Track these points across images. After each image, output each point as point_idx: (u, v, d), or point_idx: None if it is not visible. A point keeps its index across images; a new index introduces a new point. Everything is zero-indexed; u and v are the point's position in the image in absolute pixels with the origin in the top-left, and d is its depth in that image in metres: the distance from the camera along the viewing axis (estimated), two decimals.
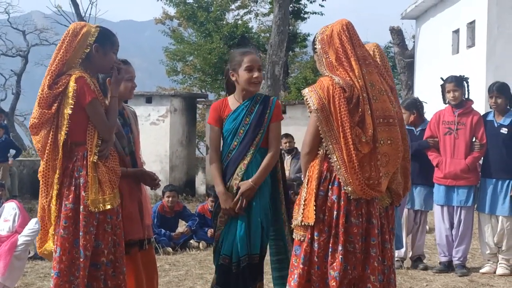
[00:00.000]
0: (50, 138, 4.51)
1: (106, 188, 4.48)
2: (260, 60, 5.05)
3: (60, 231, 4.46)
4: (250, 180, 4.84)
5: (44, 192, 4.57)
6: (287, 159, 12.24)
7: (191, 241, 9.66)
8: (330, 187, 4.26)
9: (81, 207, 4.45)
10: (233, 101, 5.03)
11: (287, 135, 12.37)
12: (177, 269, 7.99)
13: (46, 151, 4.51)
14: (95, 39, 4.54)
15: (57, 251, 4.47)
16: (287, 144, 12.32)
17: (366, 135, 4.20)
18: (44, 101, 4.46)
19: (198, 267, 8.11)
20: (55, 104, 4.46)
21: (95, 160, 4.48)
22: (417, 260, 7.99)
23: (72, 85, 4.40)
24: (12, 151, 15.41)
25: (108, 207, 4.47)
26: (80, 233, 4.44)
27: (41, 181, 4.58)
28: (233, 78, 4.99)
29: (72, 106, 4.41)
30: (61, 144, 4.48)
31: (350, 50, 4.29)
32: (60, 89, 4.43)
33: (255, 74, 4.93)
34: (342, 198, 4.23)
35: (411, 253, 8.07)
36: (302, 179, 4.49)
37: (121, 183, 4.81)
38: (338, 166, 4.21)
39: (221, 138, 5.07)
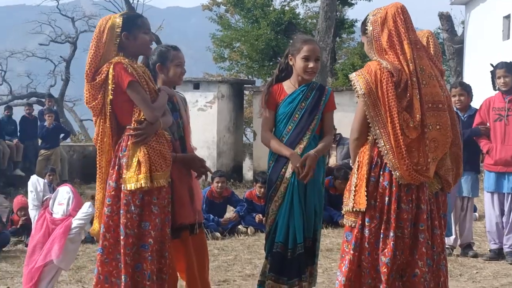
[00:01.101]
0: (100, 126, 4.67)
1: (143, 168, 4.54)
2: (319, 50, 5.09)
3: (104, 209, 4.60)
4: (312, 150, 4.93)
5: (98, 177, 4.72)
6: (333, 147, 12.19)
7: (239, 226, 9.72)
8: (381, 173, 4.25)
9: (123, 186, 4.55)
10: (288, 86, 5.11)
11: None
12: (226, 254, 8.06)
13: (99, 138, 4.67)
14: (121, 28, 4.66)
15: (101, 228, 4.60)
16: None
17: (414, 120, 4.17)
18: (90, 96, 4.64)
19: (246, 252, 8.16)
20: (100, 95, 4.62)
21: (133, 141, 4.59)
22: (466, 248, 7.93)
23: (111, 72, 4.55)
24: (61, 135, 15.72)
25: (140, 185, 4.51)
26: (121, 211, 4.55)
27: (97, 168, 4.72)
28: (291, 63, 5.11)
29: (112, 92, 4.55)
30: (107, 130, 4.65)
31: (404, 33, 4.25)
32: (102, 78, 4.58)
33: (311, 65, 5.00)
34: (393, 184, 4.21)
35: (459, 240, 8.01)
36: (351, 164, 4.49)
37: (171, 167, 4.85)
38: (386, 151, 4.20)
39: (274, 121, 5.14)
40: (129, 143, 4.58)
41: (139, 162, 4.54)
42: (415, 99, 4.19)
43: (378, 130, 4.21)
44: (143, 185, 4.50)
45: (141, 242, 4.58)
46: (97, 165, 4.72)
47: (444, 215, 4.55)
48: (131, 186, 4.52)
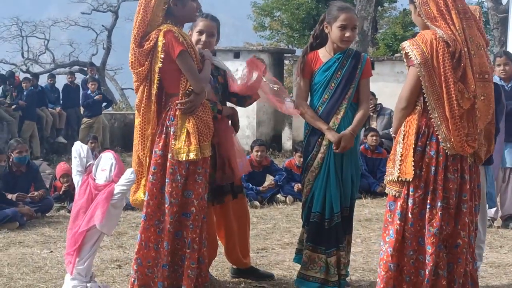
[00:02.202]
0: (145, 92, 4.67)
1: (193, 139, 4.57)
2: (356, 18, 5.02)
3: (149, 177, 4.64)
4: (348, 129, 4.89)
5: (141, 145, 4.74)
6: (373, 117, 12.16)
7: (278, 195, 9.76)
8: (428, 142, 4.21)
9: (170, 155, 4.59)
10: (324, 54, 5.06)
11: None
12: (264, 223, 8.12)
13: (142, 105, 4.68)
14: None
15: (145, 196, 4.67)
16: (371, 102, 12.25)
17: (469, 90, 4.12)
18: (136, 61, 4.62)
19: (285, 221, 8.21)
20: (147, 61, 4.60)
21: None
22: (508, 219, 7.86)
23: (161, 39, 4.53)
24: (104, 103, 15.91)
25: (192, 157, 4.55)
26: (166, 180, 4.60)
27: (137, 134, 4.75)
28: (326, 31, 5.04)
29: (162, 60, 4.55)
30: (153, 98, 4.65)
31: (451, 2, 4.18)
32: (151, 44, 4.56)
33: (347, 34, 4.94)
34: (440, 154, 4.18)
35: (500, 212, 7.95)
36: (392, 134, 4.46)
37: (216, 130, 4.88)
38: (439, 122, 4.15)
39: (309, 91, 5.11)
40: (177, 113, 4.61)
41: (188, 133, 4.57)
42: (468, 69, 4.15)
43: (432, 101, 4.15)
44: (194, 157, 4.55)
45: (183, 211, 4.63)
46: (139, 132, 4.73)
47: (478, 185, 4.51)
48: (182, 157, 4.55)
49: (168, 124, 4.64)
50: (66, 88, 16.28)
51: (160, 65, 4.56)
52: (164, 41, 4.52)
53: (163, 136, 4.64)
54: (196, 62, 4.66)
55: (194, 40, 5.10)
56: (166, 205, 4.60)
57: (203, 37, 5.12)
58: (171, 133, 4.61)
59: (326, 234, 4.96)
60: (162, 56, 4.54)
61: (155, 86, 4.63)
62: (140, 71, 4.62)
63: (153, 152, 4.66)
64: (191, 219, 4.62)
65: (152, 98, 4.66)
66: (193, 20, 4.99)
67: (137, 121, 4.76)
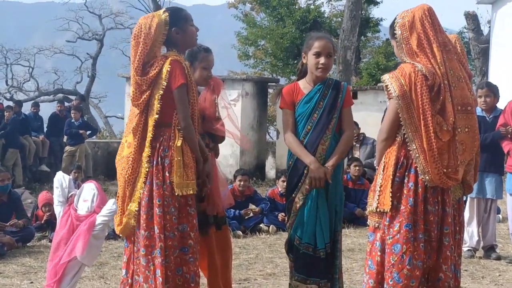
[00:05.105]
0: (142, 119, 4.58)
1: (190, 173, 4.54)
2: (332, 47, 4.98)
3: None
4: (326, 164, 4.83)
5: (130, 169, 4.58)
6: (356, 147, 12.20)
7: (261, 225, 9.73)
8: (406, 173, 4.23)
9: (164, 186, 4.52)
10: (304, 85, 5.03)
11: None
12: (247, 253, 8.09)
13: (139, 131, 4.58)
14: (170, 24, 4.58)
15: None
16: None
17: (447, 123, 4.15)
18: (139, 92, 4.53)
19: (268, 251, 8.18)
20: (149, 89, 4.53)
21: (179, 145, 4.54)
22: (489, 250, 7.88)
23: (166, 66, 4.48)
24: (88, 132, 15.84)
25: (190, 192, 4.53)
26: (158, 212, 4.50)
27: (129, 160, 4.60)
28: (304, 60, 5.02)
29: (163, 88, 4.49)
30: (151, 124, 4.55)
31: (433, 36, 4.22)
32: (156, 71, 4.50)
33: (322, 60, 4.90)
34: (419, 185, 4.19)
35: (482, 242, 7.97)
36: (375, 165, 4.48)
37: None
38: (417, 155, 4.17)
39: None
40: (174, 146, 4.53)
41: (185, 167, 4.53)
42: (448, 102, 4.18)
43: (410, 134, 4.18)
44: (191, 191, 4.53)
45: (181, 245, 4.57)
46: (131, 160, 4.58)
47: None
48: (183, 191, 4.50)
49: (162, 155, 4.55)
50: (55, 117, 16.16)
51: (161, 92, 4.49)
52: (169, 69, 4.47)
53: (160, 167, 4.55)
54: (194, 97, 4.62)
55: (201, 76, 5.09)
56: (159, 239, 4.48)
57: (210, 72, 5.14)
58: (165, 165, 4.54)
59: (322, 263, 4.86)
60: (165, 83, 4.48)
61: (154, 113, 4.53)
62: (141, 101, 4.53)
63: (155, 184, 4.54)
64: (189, 252, 4.57)
65: (151, 124, 4.55)
66: (194, 45, 4.91)
67: (128, 150, 4.62)
